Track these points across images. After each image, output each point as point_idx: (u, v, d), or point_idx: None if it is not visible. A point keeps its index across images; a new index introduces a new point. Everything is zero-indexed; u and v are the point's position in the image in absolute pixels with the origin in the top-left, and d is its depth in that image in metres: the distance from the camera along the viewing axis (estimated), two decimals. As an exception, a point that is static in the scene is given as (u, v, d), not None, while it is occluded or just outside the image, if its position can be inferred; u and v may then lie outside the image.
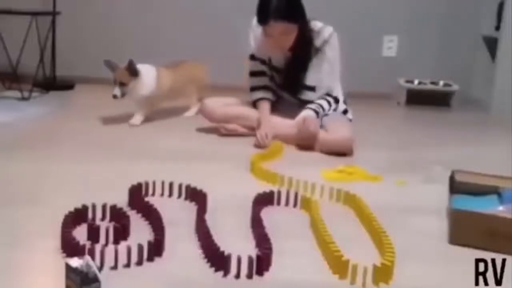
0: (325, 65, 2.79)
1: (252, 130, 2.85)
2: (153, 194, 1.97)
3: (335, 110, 2.88)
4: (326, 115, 2.81)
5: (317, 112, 2.77)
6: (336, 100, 2.88)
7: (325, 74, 2.80)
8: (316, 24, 2.78)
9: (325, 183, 2.11)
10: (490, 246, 1.64)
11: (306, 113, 2.76)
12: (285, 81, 2.89)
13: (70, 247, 1.47)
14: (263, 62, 2.89)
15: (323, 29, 2.77)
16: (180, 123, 3.10)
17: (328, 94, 2.84)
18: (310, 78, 2.81)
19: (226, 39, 4.04)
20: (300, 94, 2.86)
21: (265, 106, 2.87)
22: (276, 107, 2.92)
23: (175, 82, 3.17)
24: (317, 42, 2.77)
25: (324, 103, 2.81)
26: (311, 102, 2.83)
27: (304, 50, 2.76)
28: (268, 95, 2.91)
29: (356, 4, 4.15)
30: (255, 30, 2.82)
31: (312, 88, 2.83)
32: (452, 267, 1.57)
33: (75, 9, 4.12)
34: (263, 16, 2.65)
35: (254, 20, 2.78)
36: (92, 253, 1.41)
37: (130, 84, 2.91)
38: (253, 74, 2.92)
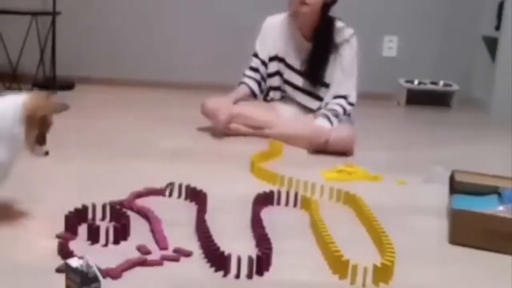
0: (343, 65, 2.79)
1: (254, 130, 2.85)
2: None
3: (348, 115, 2.82)
4: (340, 121, 2.72)
5: (331, 122, 2.69)
6: (351, 105, 2.79)
7: (343, 76, 2.78)
8: (338, 23, 2.83)
9: (325, 183, 2.11)
10: (490, 246, 1.64)
11: (321, 122, 2.68)
12: (303, 75, 2.89)
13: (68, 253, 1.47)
14: (263, 63, 2.94)
15: (344, 29, 2.82)
16: (181, 123, 3.09)
17: (345, 98, 2.76)
18: (327, 74, 2.83)
19: (228, 38, 4.04)
20: (316, 90, 2.88)
21: (242, 89, 2.94)
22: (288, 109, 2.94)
23: None
24: (338, 39, 2.80)
25: (339, 110, 2.73)
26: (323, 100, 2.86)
27: (324, 41, 2.80)
28: (252, 84, 2.95)
29: (356, 4, 4.15)
30: (269, 27, 2.90)
31: (327, 85, 2.85)
32: (452, 267, 1.57)
33: (75, 9, 4.11)
34: None
35: (266, 20, 2.91)
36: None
37: None
38: (250, 68, 2.97)
